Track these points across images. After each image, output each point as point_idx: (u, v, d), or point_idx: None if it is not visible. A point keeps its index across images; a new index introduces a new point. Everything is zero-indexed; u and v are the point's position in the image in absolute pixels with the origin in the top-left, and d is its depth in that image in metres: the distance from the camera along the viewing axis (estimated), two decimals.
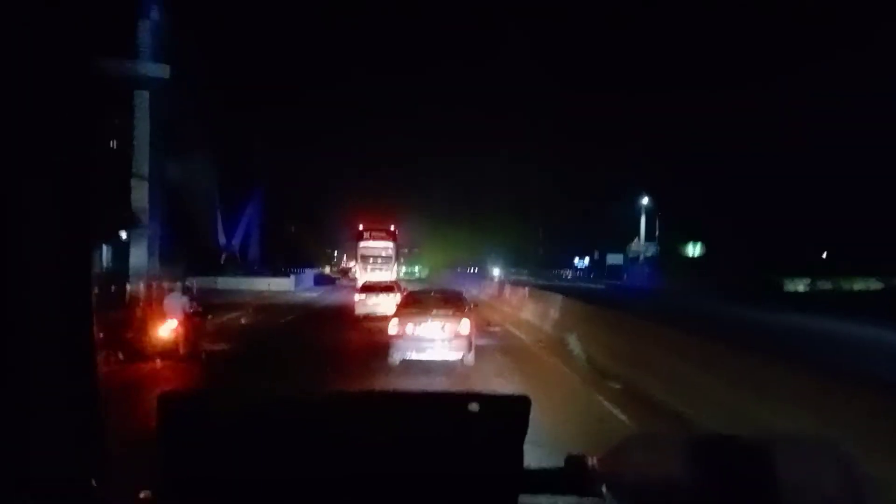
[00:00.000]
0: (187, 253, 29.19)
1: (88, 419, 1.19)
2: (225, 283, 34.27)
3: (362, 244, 36.80)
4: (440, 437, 1.16)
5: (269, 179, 49.56)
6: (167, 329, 11.61)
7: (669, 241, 56.36)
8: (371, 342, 13.44)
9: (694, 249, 56.70)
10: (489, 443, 1.16)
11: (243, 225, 47.23)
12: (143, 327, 11.67)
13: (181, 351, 11.54)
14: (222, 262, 42.20)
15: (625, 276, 60.00)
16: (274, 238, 52.17)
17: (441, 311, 11.50)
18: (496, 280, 43.15)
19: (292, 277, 41.43)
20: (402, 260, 50.22)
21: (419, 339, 10.98)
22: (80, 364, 1.19)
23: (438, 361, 10.96)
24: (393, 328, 11.19)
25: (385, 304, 18.48)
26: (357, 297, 20.86)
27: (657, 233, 56.43)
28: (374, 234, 37.17)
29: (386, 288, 21.18)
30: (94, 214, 1.23)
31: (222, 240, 44.32)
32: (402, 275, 47.84)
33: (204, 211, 40.24)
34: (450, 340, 10.91)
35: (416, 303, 12.59)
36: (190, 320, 12.09)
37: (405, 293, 16.72)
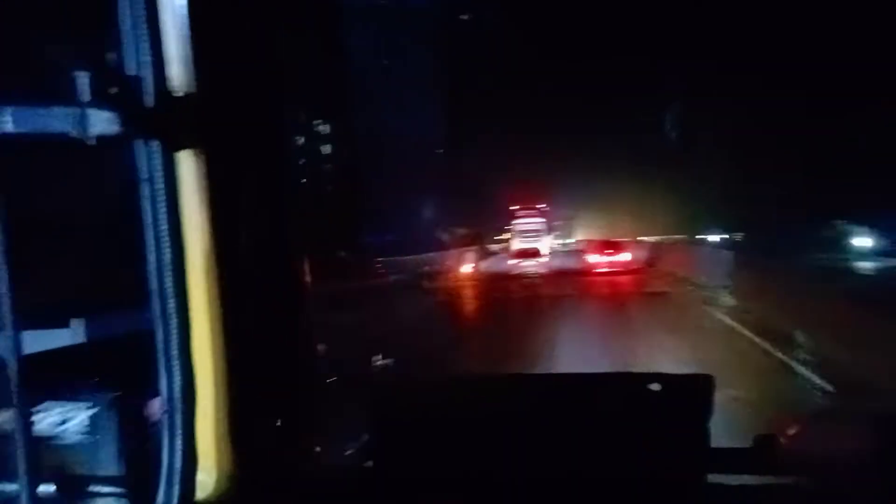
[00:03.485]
0: None
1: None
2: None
3: (516, 222, 44.42)
4: (623, 418, 1.16)
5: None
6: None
7: None
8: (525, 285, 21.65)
9: None
10: (672, 422, 1.14)
11: None
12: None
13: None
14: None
15: None
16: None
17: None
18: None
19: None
20: (557, 233, 56.96)
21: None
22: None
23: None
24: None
25: (532, 265, 26.75)
26: (511, 261, 28.96)
27: None
28: (527, 212, 44.66)
29: (532, 253, 29.21)
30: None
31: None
32: (556, 245, 54.58)
33: None
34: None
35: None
36: None
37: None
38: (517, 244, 41.22)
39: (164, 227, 1.05)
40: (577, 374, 1.60)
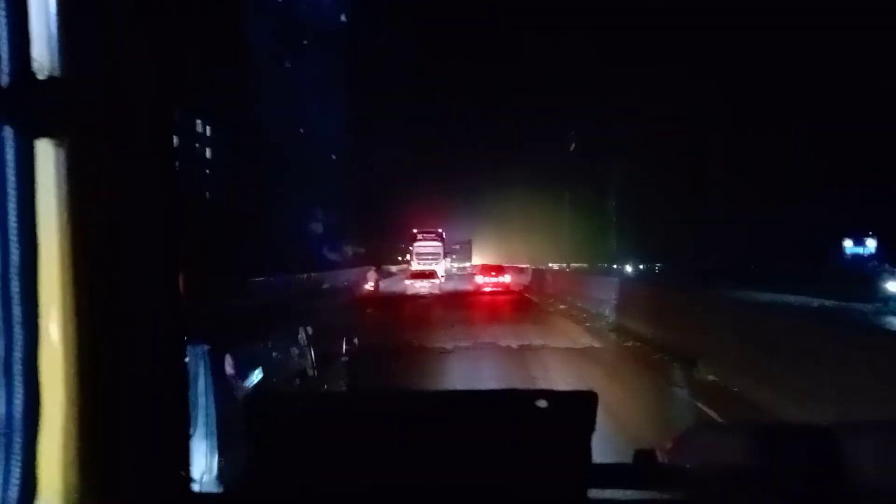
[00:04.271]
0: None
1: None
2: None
3: (416, 244, 44.99)
4: (510, 434, 1.16)
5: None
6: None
7: None
8: (419, 304, 23.20)
9: None
10: (557, 438, 1.15)
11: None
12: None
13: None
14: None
15: None
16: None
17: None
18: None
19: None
20: (453, 256, 57.80)
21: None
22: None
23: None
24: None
25: (426, 286, 26.71)
26: (407, 281, 28.96)
27: None
28: (425, 236, 45.45)
29: (428, 275, 29.30)
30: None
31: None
32: (455, 270, 55.34)
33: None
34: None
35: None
36: None
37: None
38: (415, 265, 41.53)
39: (13, 223, 0.92)
40: (463, 392, 1.53)
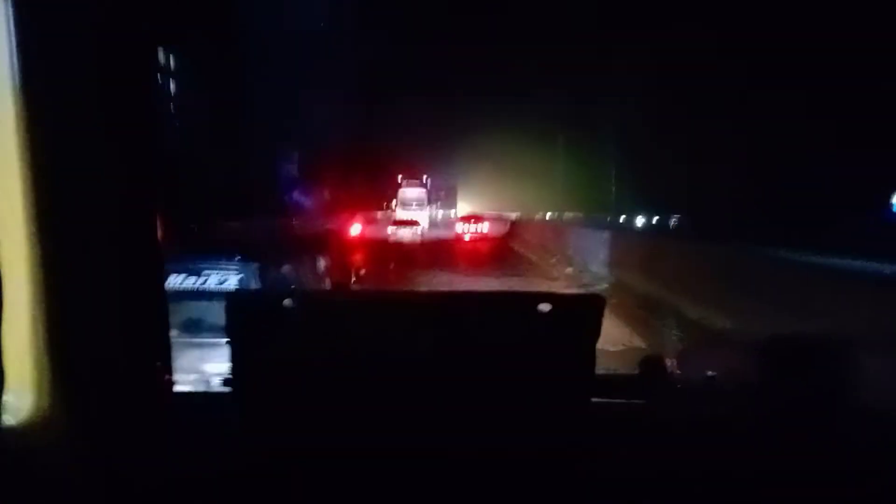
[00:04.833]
0: None
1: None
2: None
3: (399, 191, 45.04)
4: (510, 338, 1.11)
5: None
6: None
7: None
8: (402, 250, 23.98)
9: None
10: (560, 344, 1.11)
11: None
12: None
13: None
14: None
15: None
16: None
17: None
18: None
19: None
20: (437, 203, 57.68)
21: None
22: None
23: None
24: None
25: (408, 234, 27.11)
26: (390, 228, 29.19)
27: None
28: (409, 182, 45.43)
29: (411, 223, 29.67)
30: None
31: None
32: (439, 217, 55.17)
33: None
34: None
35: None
36: None
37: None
38: (399, 213, 41.62)
39: None
40: (465, 292, 1.43)
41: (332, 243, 20.99)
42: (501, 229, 34.78)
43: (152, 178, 1.19)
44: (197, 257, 4.89)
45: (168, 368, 1.21)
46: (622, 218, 44.32)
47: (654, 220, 44.43)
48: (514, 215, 42.70)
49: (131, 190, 1.13)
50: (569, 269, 16.01)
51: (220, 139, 29.87)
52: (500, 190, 61.85)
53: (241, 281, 4.56)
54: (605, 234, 16.21)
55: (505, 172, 61.13)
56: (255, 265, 4.69)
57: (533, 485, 1.13)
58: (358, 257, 21.19)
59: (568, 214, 47.00)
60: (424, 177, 47.38)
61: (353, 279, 9.15)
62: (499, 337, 1.12)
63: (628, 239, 16.70)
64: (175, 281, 4.45)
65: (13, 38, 0.95)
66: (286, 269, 5.61)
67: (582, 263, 15.72)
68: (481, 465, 1.12)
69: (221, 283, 4.49)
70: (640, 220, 44.74)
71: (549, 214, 47.90)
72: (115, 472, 1.06)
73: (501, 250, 25.99)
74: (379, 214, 48.06)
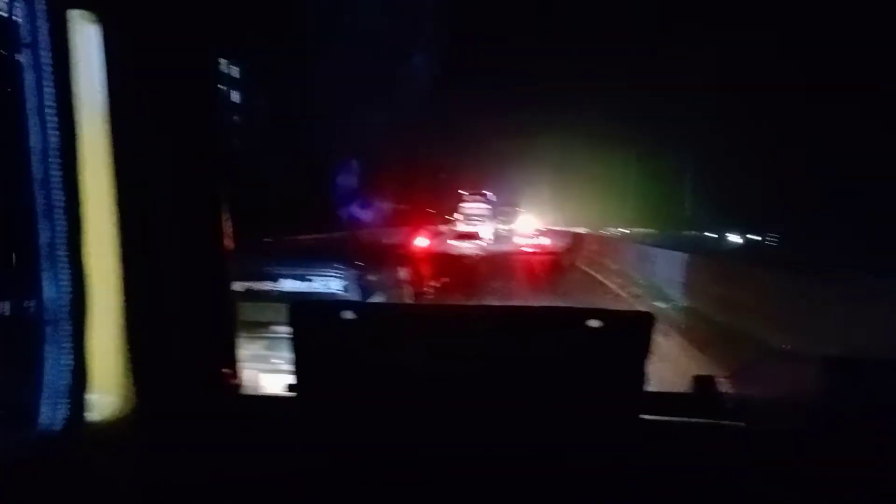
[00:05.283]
0: None
1: None
2: None
3: (463, 206, 45.44)
4: (559, 352, 1.12)
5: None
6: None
7: None
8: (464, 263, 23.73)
9: None
10: (608, 360, 1.11)
11: None
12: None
13: None
14: None
15: None
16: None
17: None
18: None
19: None
20: (501, 219, 57.56)
21: None
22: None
23: None
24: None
25: (471, 247, 26.94)
26: (453, 241, 29.28)
27: None
28: (472, 195, 45.78)
29: (472, 235, 29.69)
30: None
31: None
32: (504, 232, 55.03)
33: None
34: None
35: None
36: None
37: None
38: (461, 227, 41.65)
39: (50, 104, 0.89)
40: (516, 307, 1.49)
41: (405, 255, 21.42)
42: (566, 244, 34.43)
43: (220, 190, 1.23)
44: (300, 264, 5.21)
45: (234, 373, 1.26)
46: (706, 235, 39.66)
47: (742, 239, 37.81)
48: (581, 230, 41.63)
49: (201, 202, 1.20)
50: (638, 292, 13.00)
51: (281, 148, 29.89)
52: (565, 204, 61.45)
53: (345, 287, 4.93)
54: (698, 259, 12.46)
55: (570, 186, 60.48)
56: (354, 272, 5.00)
57: (579, 497, 1.14)
58: (425, 269, 21.74)
59: (638, 230, 44.77)
60: (487, 192, 47.47)
61: (424, 289, 9.61)
62: (549, 351, 1.14)
63: (731, 265, 11.87)
64: (281, 285, 4.78)
65: (104, 59, 0.99)
66: (374, 278, 5.88)
67: (660, 291, 12.59)
68: (529, 475, 1.13)
69: (327, 288, 4.85)
70: (735, 238, 38.05)
71: (618, 230, 46.29)
72: (182, 470, 1.11)
73: (563, 267, 25.77)
74: (442, 227, 48.60)
